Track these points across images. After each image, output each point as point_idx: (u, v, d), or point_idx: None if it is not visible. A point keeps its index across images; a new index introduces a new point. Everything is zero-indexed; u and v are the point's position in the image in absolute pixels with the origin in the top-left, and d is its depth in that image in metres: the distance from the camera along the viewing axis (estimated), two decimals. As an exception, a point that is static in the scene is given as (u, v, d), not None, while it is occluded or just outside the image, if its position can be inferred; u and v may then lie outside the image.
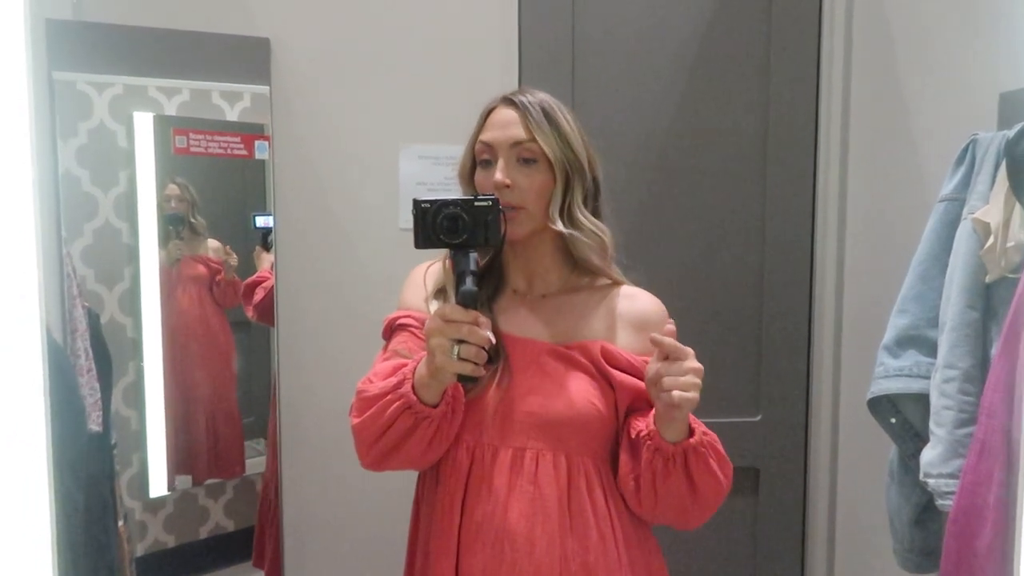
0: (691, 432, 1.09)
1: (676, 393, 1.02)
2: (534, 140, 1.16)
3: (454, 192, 1.85)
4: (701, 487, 1.10)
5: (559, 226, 1.16)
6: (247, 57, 1.80)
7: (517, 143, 1.16)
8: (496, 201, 1.07)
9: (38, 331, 0.48)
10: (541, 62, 1.86)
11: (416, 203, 1.06)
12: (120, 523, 1.74)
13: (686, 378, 1.02)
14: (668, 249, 1.88)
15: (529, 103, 1.18)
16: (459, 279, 1.05)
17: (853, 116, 1.86)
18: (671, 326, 1.08)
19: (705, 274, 1.91)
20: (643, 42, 1.89)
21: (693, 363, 1.04)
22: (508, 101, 1.20)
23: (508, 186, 1.15)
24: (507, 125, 1.17)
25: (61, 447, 1.31)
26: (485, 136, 1.19)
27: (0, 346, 0.48)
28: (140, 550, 1.92)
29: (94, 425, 1.56)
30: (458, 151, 1.86)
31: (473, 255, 1.06)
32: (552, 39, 1.87)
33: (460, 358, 1.01)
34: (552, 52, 1.87)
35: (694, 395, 1.03)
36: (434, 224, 1.05)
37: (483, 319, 1.04)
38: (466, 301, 1.02)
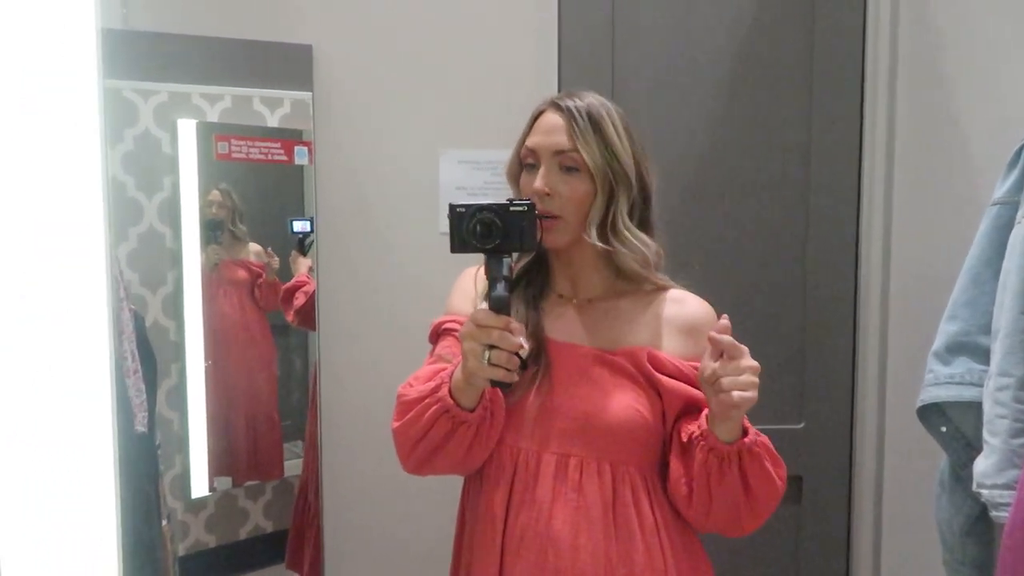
0: (745, 432, 1.07)
1: (736, 394, 1.00)
2: (576, 150, 1.14)
3: (494, 197, 1.86)
4: (756, 489, 1.08)
5: (594, 239, 1.14)
6: (290, 64, 1.82)
7: (559, 151, 1.15)
8: (532, 206, 1.06)
9: (106, 336, 0.49)
10: (580, 66, 1.86)
11: (451, 208, 1.06)
12: (164, 522, 1.76)
13: (744, 377, 1.01)
14: (709, 253, 1.86)
15: (576, 109, 1.15)
16: (491, 284, 1.04)
17: (899, 118, 1.83)
18: (726, 321, 1.05)
19: (747, 278, 1.89)
20: (684, 44, 1.88)
21: (750, 361, 1.02)
22: (555, 106, 1.18)
23: (548, 194, 1.14)
24: (551, 131, 1.16)
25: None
26: (531, 141, 1.18)
27: (72, 351, 0.49)
28: (182, 549, 1.95)
29: (140, 426, 1.59)
30: (497, 155, 1.90)
31: (507, 260, 1.05)
32: (592, 43, 1.86)
33: (491, 363, 1.01)
34: (592, 56, 1.86)
35: (752, 394, 1.01)
36: (468, 229, 1.04)
37: (516, 325, 1.03)
38: (498, 307, 1.02)
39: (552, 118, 1.16)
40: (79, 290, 0.47)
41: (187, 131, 1.86)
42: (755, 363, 1.02)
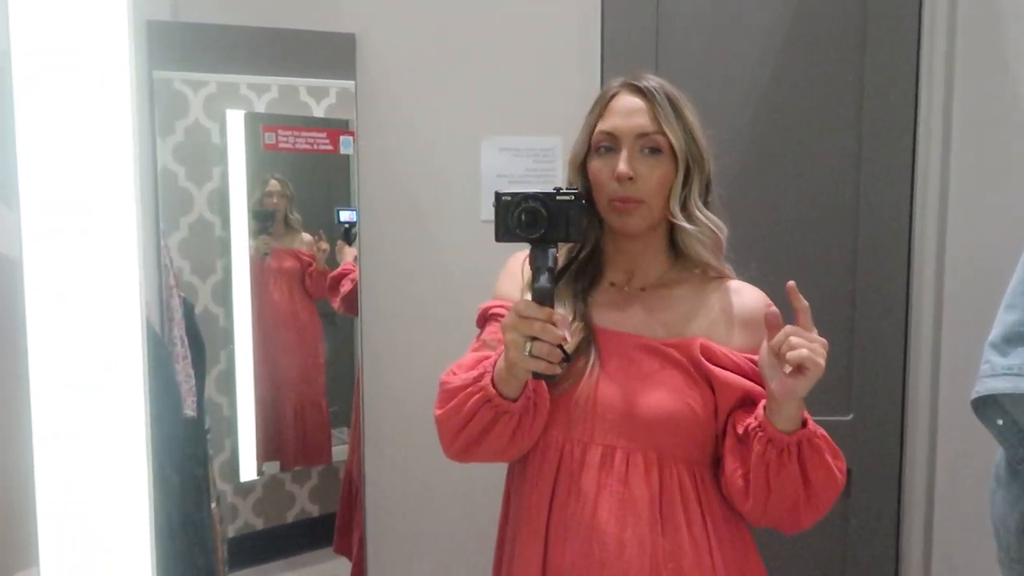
0: (804, 423, 1.04)
1: (804, 352, 0.97)
2: (661, 132, 1.11)
3: (536, 183, 1.86)
4: (815, 482, 1.05)
5: (680, 221, 1.12)
6: (334, 53, 1.84)
7: (644, 134, 1.11)
8: (580, 195, 1.04)
9: (138, 320, 0.49)
10: (624, 53, 1.83)
11: (497, 196, 1.04)
12: (213, 505, 1.81)
13: (814, 345, 0.99)
14: (757, 241, 1.81)
15: (655, 89, 1.12)
16: (535, 275, 1.03)
17: (956, 101, 1.76)
18: (775, 309, 1.03)
19: (795, 265, 1.85)
20: (729, 29, 1.84)
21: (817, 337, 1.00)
22: (632, 87, 1.14)
23: (631, 178, 1.10)
24: (632, 113, 1.12)
25: (159, 430, 1.37)
26: (607, 124, 1.14)
27: (104, 337, 0.49)
28: (231, 531, 1.99)
29: (189, 410, 1.63)
30: (539, 142, 1.90)
31: (552, 251, 1.03)
32: (635, 29, 1.83)
33: (533, 355, 0.99)
34: (635, 42, 1.84)
35: (821, 361, 0.98)
36: (513, 217, 1.02)
37: (559, 316, 1.01)
38: (541, 298, 1.00)
39: (631, 100, 1.13)
40: (110, 276, 0.48)
41: (235, 122, 1.90)
42: (823, 339, 1.00)
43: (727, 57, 1.84)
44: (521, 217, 1.02)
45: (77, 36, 0.48)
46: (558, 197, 1.03)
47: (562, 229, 1.03)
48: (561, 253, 1.16)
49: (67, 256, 0.47)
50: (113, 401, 0.50)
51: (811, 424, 1.05)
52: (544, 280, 1.01)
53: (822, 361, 0.98)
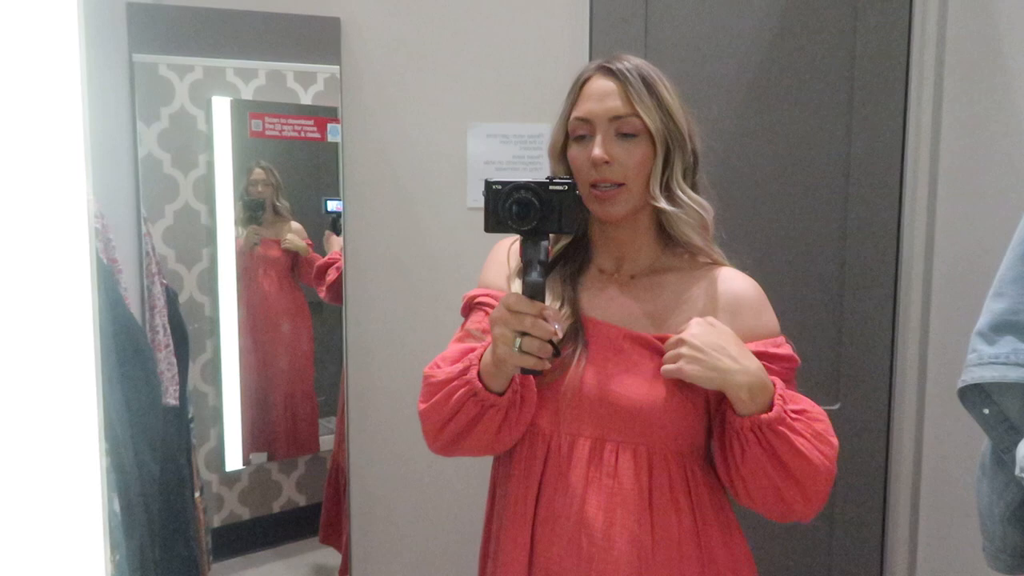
0: (770, 407, 1.02)
1: (669, 368, 1.04)
2: (635, 113, 1.07)
3: (523, 170, 1.84)
4: (790, 466, 1.02)
5: (661, 203, 1.08)
6: (318, 37, 1.82)
7: (617, 117, 1.08)
8: (573, 186, 1.00)
9: (89, 304, 0.47)
10: (612, 39, 1.81)
11: (488, 184, 1.00)
12: (197, 494, 1.80)
13: (669, 353, 1.05)
14: (744, 229, 1.80)
15: (627, 71, 1.09)
16: (526, 268, 0.99)
17: (946, 89, 1.75)
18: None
19: (785, 255, 1.84)
20: (719, 14, 1.82)
21: (682, 336, 1.04)
22: (604, 70, 1.11)
23: (607, 162, 1.08)
24: (605, 97, 1.09)
25: (137, 419, 1.36)
26: (581, 110, 1.11)
27: (53, 323, 0.48)
28: (216, 521, 1.98)
29: (171, 399, 1.62)
30: (526, 129, 1.88)
31: (544, 243, 1.00)
32: (624, 15, 1.81)
33: (522, 351, 0.97)
34: (624, 28, 1.82)
35: (677, 365, 1.03)
36: (504, 208, 0.99)
37: (550, 311, 0.99)
38: (532, 292, 0.97)
39: (603, 83, 1.10)
40: (57, 258, 0.46)
41: (222, 108, 1.88)
42: (689, 339, 1.04)
43: (717, 43, 1.82)
44: (513, 208, 0.99)
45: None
46: (551, 187, 0.99)
47: (555, 221, 0.99)
48: (552, 245, 1.14)
49: (8, 238, 0.46)
50: (62, 390, 0.48)
51: (777, 408, 1.02)
52: (536, 274, 0.98)
53: (678, 364, 1.04)
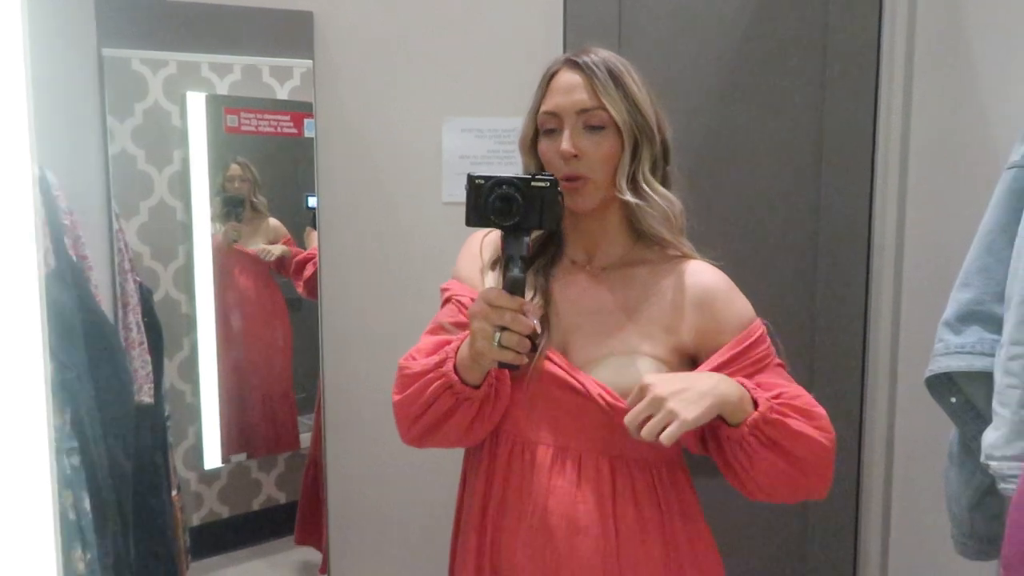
0: (755, 404, 1.02)
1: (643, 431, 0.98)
2: (601, 106, 1.08)
3: (498, 165, 1.84)
4: (796, 451, 1.02)
5: (627, 196, 1.08)
6: (291, 31, 1.81)
7: (584, 110, 1.08)
8: (555, 182, 1.01)
9: (37, 299, 0.47)
10: (586, 33, 1.81)
11: (470, 178, 1.00)
12: (174, 493, 1.79)
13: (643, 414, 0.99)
14: (718, 223, 1.81)
15: (594, 64, 1.09)
16: (507, 264, 1.00)
17: (916, 78, 1.76)
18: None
19: (756, 246, 1.85)
20: (695, 6, 1.82)
21: (649, 393, 0.99)
22: (571, 63, 1.11)
23: (576, 156, 1.08)
24: (572, 90, 1.09)
25: (108, 417, 1.35)
26: (548, 104, 1.11)
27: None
28: (196, 520, 1.98)
29: (146, 397, 1.61)
30: (501, 123, 1.88)
31: (526, 239, 1.00)
32: (598, 11, 1.81)
33: (501, 346, 0.97)
34: (597, 22, 1.82)
35: (676, 423, 0.97)
36: (486, 203, 0.99)
37: (530, 306, 0.99)
38: (513, 288, 0.98)
39: (569, 77, 1.10)
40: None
41: (196, 104, 1.87)
42: (655, 392, 0.98)
43: (691, 37, 1.82)
44: (496, 203, 0.99)
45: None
46: (533, 183, 1.00)
47: (536, 217, 1.00)
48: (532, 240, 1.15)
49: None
50: (8, 388, 0.48)
51: (762, 402, 1.02)
52: (516, 269, 0.98)
53: (686, 414, 0.97)
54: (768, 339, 1.13)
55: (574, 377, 1.08)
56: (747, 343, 1.10)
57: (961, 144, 1.61)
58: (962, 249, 1.35)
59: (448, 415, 1.07)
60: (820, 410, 1.07)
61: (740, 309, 1.13)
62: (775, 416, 1.01)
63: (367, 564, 1.95)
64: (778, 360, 1.15)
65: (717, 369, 1.07)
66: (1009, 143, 1.30)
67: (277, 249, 1.99)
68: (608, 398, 1.06)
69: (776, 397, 1.04)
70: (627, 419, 1.00)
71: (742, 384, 1.04)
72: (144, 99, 1.80)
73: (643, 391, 1.00)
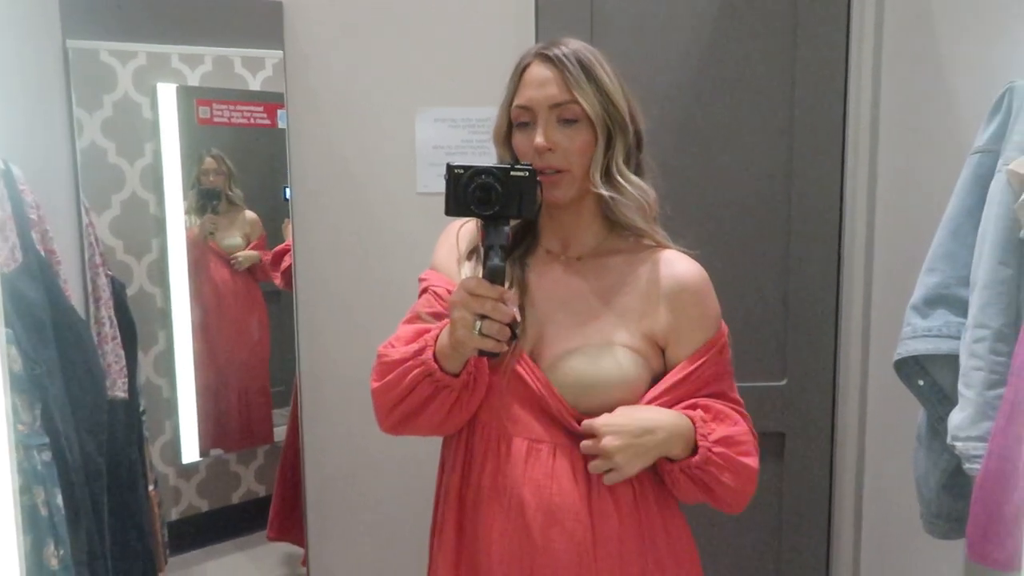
0: (695, 450, 1.08)
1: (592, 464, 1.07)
2: (574, 100, 1.08)
3: (472, 155, 1.84)
4: (717, 492, 1.11)
5: (600, 188, 1.09)
6: (261, 21, 1.79)
7: (556, 104, 1.09)
8: (533, 172, 1.01)
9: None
10: (558, 22, 1.81)
11: (450, 168, 1.01)
12: (150, 487, 1.78)
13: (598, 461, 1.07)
14: (691, 211, 1.83)
15: (565, 57, 1.09)
16: (487, 253, 1.00)
17: (884, 65, 1.78)
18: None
19: (729, 231, 1.86)
20: (665, -3, 1.83)
21: (601, 440, 1.06)
22: (543, 56, 1.11)
23: (550, 149, 1.08)
24: (544, 84, 1.09)
25: (80, 412, 1.34)
26: (521, 98, 1.11)
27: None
28: (174, 514, 1.97)
29: (119, 392, 1.60)
30: (474, 113, 1.87)
31: (505, 228, 1.01)
32: (569, 1, 1.82)
33: (482, 334, 0.98)
34: (569, 14, 1.82)
35: (619, 472, 1.07)
36: (466, 192, 1.00)
37: (509, 295, 1.00)
38: (493, 276, 0.99)
39: (541, 70, 1.10)
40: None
41: (167, 95, 1.85)
42: (607, 442, 1.06)
43: (663, 26, 1.83)
44: (476, 192, 1.00)
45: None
46: (512, 173, 1.01)
47: (515, 206, 1.01)
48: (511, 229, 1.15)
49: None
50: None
51: (702, 451, 1.08)
52: (497, 258, 0.99)
53: (627, 467, 1.07)
54: (728, 347, 1.16)
55: (540, 391, 1.10)
56: (711, 352, 1.12)
57: (929, 131, 1.63)
58: (931, 234, 1.37)
59: (427, 403, 1.07)
60: (753, 463, 1.12)
61: (710, 307, 1.15)
62: (709, 468, 1.08)
63: (347, 555, 1.95)
64: (730, 368, 1.18)
65: (681, 382, 1.12)
66: (974, 128, 1.32)
67: (247, 260, 1.99)
68: (569, 418, 1.10)
69: (722, 441, 1.09)
70: (581, 447, 1.08)
71: (692, 422, 1.09)
72: (113, 91, 1.77)
73: (596, 434, 1.07)
